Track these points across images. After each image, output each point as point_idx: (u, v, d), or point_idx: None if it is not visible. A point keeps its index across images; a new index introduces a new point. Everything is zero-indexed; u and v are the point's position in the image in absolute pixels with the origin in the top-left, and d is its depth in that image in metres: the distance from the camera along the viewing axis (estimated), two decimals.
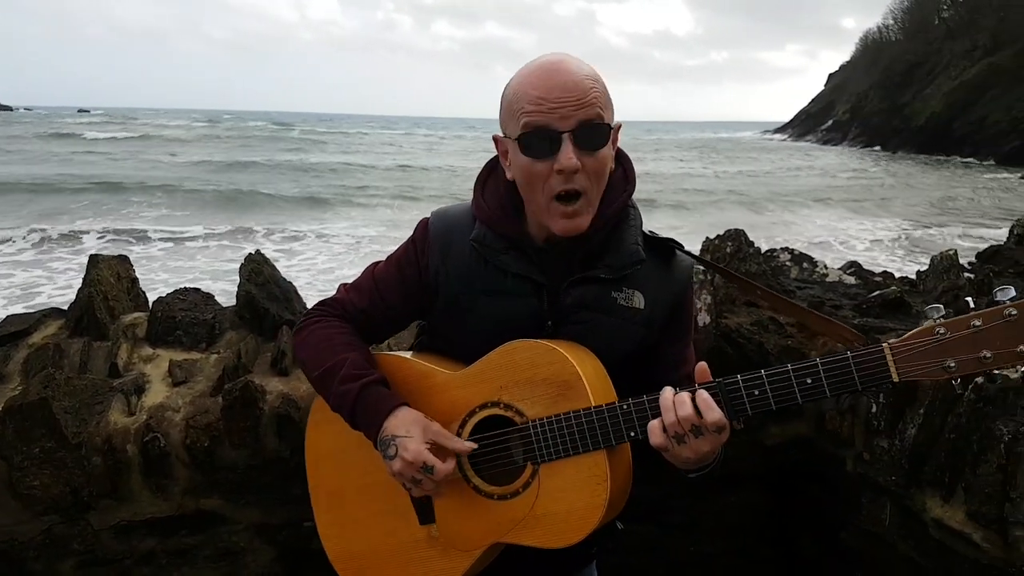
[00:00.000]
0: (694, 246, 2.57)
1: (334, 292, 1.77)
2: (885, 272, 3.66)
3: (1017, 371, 2.23)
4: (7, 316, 2.94)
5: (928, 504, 2.32)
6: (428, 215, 1.71)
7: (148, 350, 2.71)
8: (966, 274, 3.16)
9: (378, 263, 1.74)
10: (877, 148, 57.02)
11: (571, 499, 1.51)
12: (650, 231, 1.66)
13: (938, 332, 1.27)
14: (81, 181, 24.59)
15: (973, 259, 3.92)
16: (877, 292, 2.87)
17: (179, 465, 2.39)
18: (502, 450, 1.57)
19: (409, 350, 1.79)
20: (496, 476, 1.58)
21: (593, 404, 1.49)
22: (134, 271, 3.10)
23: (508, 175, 1.59)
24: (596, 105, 1.47)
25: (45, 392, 2.36)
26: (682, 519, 2.70)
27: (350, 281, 1.75)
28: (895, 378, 1.30)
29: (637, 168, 1.67)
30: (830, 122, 77.13)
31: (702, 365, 1.46)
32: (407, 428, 1.52)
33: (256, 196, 23.50)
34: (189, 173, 29.35)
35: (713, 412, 1.39)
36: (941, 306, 1.31)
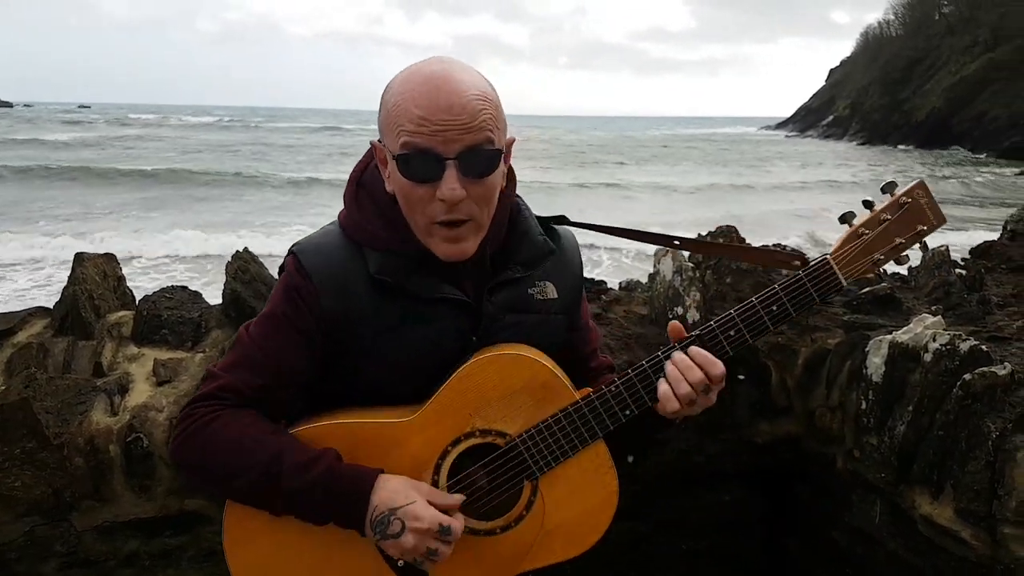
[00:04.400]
0: None
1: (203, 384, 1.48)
2: None
3: (1005, 368, 2.21)
4: None
5: (917, 501, 2.31)
6: (288, 255, 1.48)
7: (133, 349, 2.68)
8: (958, 270, 3.13)
9: (248, 327, 1.47)
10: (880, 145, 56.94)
11: (584, 499, 1.45)
12: (535, 215, 1.59)
13: (862, 233, 1.45)
14: None
15: (967, 255, 3.90)
16: (868, 288, 2.85)
17: (162, 465, 2.37)
18: (490, 480, 1.44)
19: (308, 418, 1.50)
20: (491, 510, 1.45)
21: (579, 397, 1.43)
22: (120, 269, 3.07)
23: (388, 187, 1.41)
24: (485, 128, 1.32)
25: (26, 392, 2.33)
26: (669, 517, 2.68)
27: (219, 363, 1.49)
28: (844, 283, 1.45)
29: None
30: (831, 117, 77.09)
31: (675, 323, 1.46)
32: (405, 495, 1.33)
33: None
34: None
35: (716, 367, 1.40)
36: (852, 212, 1.48)
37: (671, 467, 2.62)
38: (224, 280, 2.80)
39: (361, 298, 1.41)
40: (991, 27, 54.28)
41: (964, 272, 3.16)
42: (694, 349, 1.42)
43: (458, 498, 1.40)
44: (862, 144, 59.28)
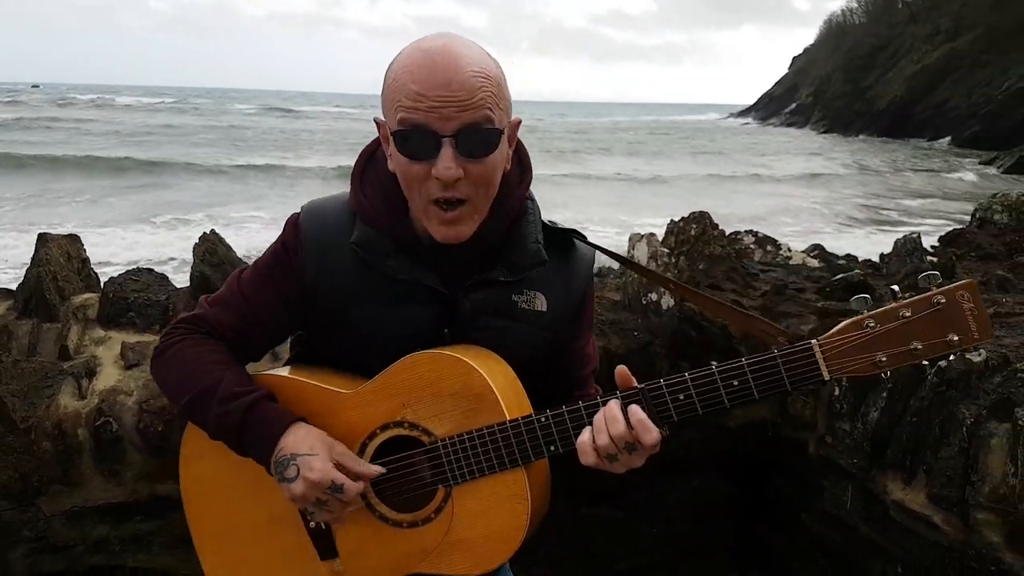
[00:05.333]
0: None
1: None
2: (849, 255, 3.68)
3: (980, 354, 2.24)
4: None
5: (890, 487, 2.34)
6: (299, 211, 1.50)
7: (100, 332, 2.63)
8: (929, 257, 3.18)
9: (243, 270, 1.53)
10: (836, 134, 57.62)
11: (490, 521, 1.40)
12: (550, 220, 1.53)
13: (867, 325, 1.21)
14: None
15: (935, 242, 3.96)
16: (841, 275, 2.89)
17: (132, 450, 2.32)
18: (409, 473, 1.43)
19: (286, 365, 1.61)
20: (404, 502, 1.45)
21: (508, 418, 1.37)
22: (85, 251, 3.00)
23: (389, 165, 1.39)
24: (484, 107, 1.28)
25: None
26: (642, 502, 2.69)
27: (213, 294, 1.55)
28: (825, 376, 1.24)
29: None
30: (794, 105, 77.73)
31: (622, 369, 1.34)
32: (310, 445, 1.36)
33: None
34: None
35: (650, 434, 1.28)
36: (868, 297, 1.25)
37: None
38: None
39: (344, 266, 1.42)
40: (952, 16, 55.07)
41: (935, 259, 3.21)
42: (633, 408, 1.30)
43: (375, 469, 1.40)
44: (824, 132, 59.96)
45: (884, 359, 1.21)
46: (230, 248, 2.89)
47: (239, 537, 1.55)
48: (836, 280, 2.91)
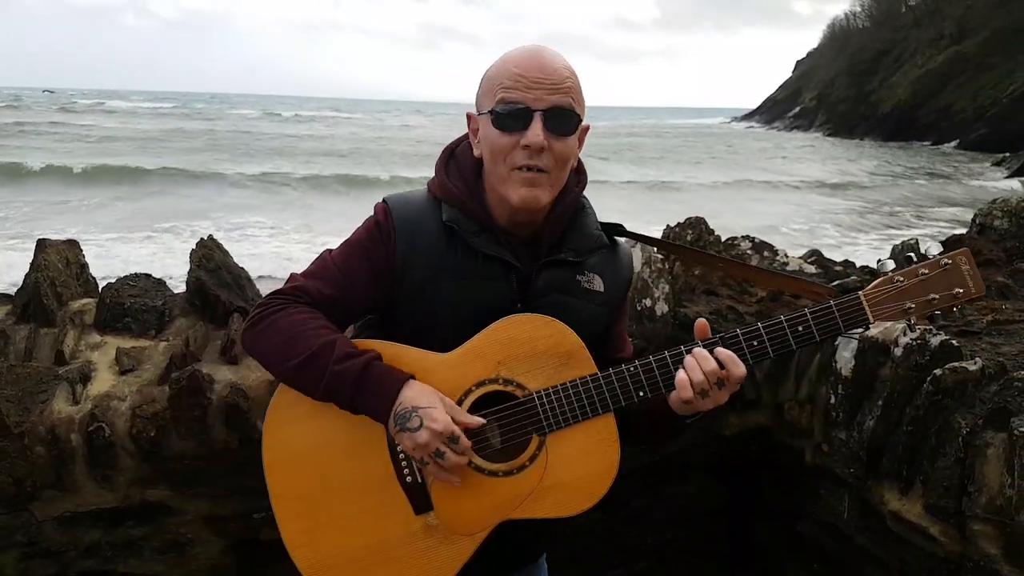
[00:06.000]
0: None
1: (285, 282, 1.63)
2: (847, 261, 3.67)
3: (976, 363, 2.23)
4: None
5: (886, 497, 2.33)
6: (380, 202, 1.66)
7: (96, 337, 2.62)
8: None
9: (330, 250, 1.66)
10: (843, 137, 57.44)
11: (584, 464, 1.53)
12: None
13: (897, 280, 1.51)
14: None
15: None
16: (838, 281, 2.87)
17: (125, 455, 2.32)
18: (504, 424, 1.55)
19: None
20: (497, 453, 1.55)
21: (598, 371, 1.53)
22: (83, 256, 3.00)
23: (476, 152, 1.62)
24: (569, 94, 1.53)
25: None
26: (636, 508, 2.68)
27: (299, 271, 1.65)
28: (871, 320, 1.51)
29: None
30: (797, 109, 77.75)
31: (702, 322, 1.54)
32: (428, 399, 1.48)
33: None
34: None
35: (738, 367, 1.48)
36: (891, 261, 1.60)
37: (639, 459, 2.62)
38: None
39: (429, 243, 1.59)
40: (957, 20, 55.04)
41: None
42: (718, 349, 1.50)
43: (477, 420, 1.51)
44: (828, 135, 59.91)
45: (911, 307, 1.51)
46: (227, 254, 2.88)
47: (329, 499, 1.58)
48: (833, 286, 2.89)
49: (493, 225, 1.61)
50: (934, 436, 2.19)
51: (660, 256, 2.76)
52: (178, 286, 3.04)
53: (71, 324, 2.65)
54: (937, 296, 1.51)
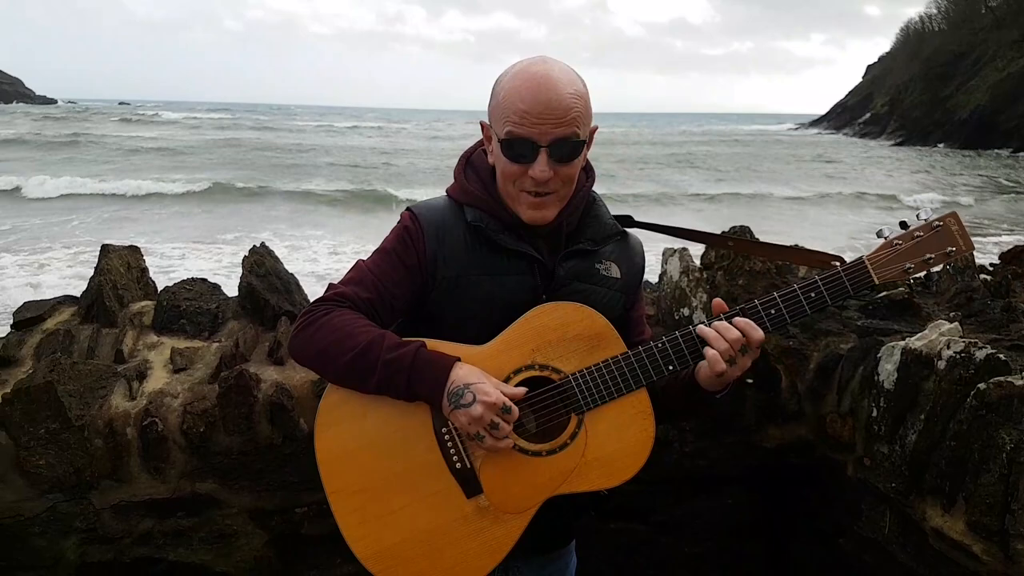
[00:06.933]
0: None
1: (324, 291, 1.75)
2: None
3: (1022, 378, 2.17)
4: (24, 302, 3.01)
5: (928, 513, 2.27)
6: (405, 211, 1.76)
7: (153, 338, 2.75)
8: (982, 276, 3.08)
9: (363, 259, 1.75)
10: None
11: (622, 437, 1.62)
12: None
13: (896, 244, 1.63)
14: None
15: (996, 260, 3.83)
16: (884, 293, 2.82)
17: (176, 449, 2.43)
18: (543, 407, 1.63)
19: None
20: (539, 435, 1.64)
21: (628, 349, 1.63)
22: (144, 261, 3.14)
23: (490, 159, 1.72)
24: (574, 124, 1.60)
25: (51, 376, 2.41)
26: (671, 519, 2.68)
27: (337, 280, 1.75)
28: (876, 281, 1.63)
29: None
30: (868, 115, 75.63)
31: (718, 300, 1.66)
32: (478, 377, 1.57)
33: None
34: None
35: (756, 331, 1.59)
36: (885, 227, 1.68)
37: (674, 469, 2.62)
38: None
39: (456, 243, 1.69)
40: None
41: (990, 278, 3.11)
42: (736, 318, 1.61)
43: (519, 390, 1.60)
44: (901, 143, 58.11)
45: (911, 266, 1.63)
46: (278, 260, 2.99)
47: (383, 491, 1.66)
48: (879, 298, 2.85)
49: (513, 223, 1.70)
50: (977, 452, 2.14)
51: (699, 265, 2.75)
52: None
53: (130, 325, 2.79)
54: (932, 255, 1.63)
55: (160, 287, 3.05)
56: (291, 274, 2.94)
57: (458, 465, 1.63)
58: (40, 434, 2.38)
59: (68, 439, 2.39)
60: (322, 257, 14.32)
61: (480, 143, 1.81)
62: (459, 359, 1.61)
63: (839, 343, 2.67)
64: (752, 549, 2.77)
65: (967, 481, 2.17)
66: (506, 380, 1.62)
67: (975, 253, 3.24)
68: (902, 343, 2.39)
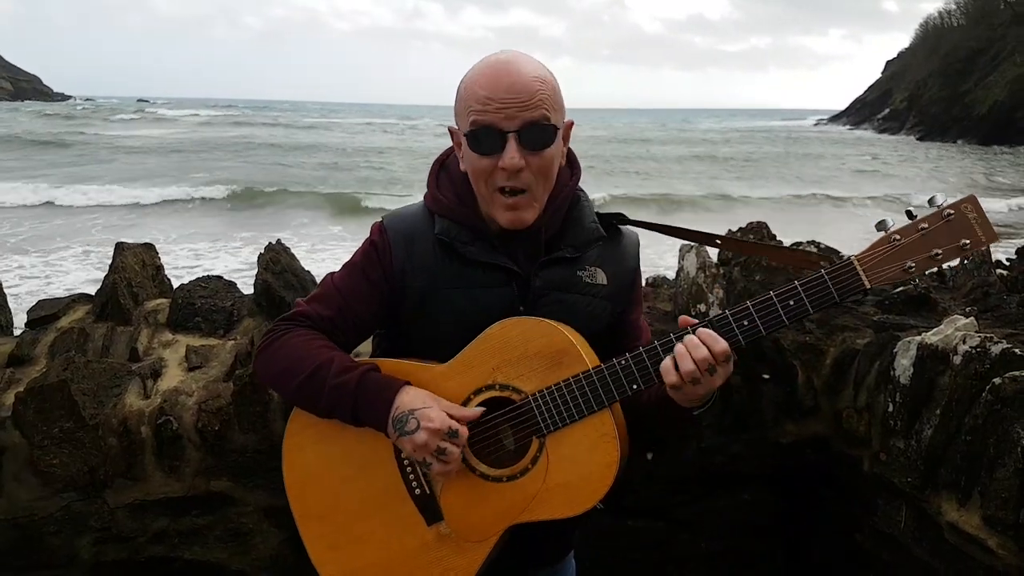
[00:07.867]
0: None
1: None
2: None
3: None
4: (39, 300, 3.03)
5: (944, 507, 2.26)
6: (379, 219, 1.70)
7: (168, 335, 2.76)
8: (999, 271, 3.04)
9: (334, 273, 1.71)
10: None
11: (584, 463, 1.51)
12: (596, 209, 1.73)
13: (894, 239, 1.43)
14: None
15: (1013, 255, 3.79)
16: (900, 288, 2.79)
17: (191, 447, 2.44)
18: (504, 430, 1.56)
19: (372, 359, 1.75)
20: (500, 459, 1.57)
21: (590, 367, 1.51)
22: (159, 258, 3.16)
23: (462, 166, 1.62)
24: (542, 107, 1.50)
25: (65, 374, 2.41)
26: (689, 516, 2.66)
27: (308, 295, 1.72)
28: (867, 285, 1.43)
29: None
30: (887, 111, 75.07)
31: (684, 317, 1.52)
32: (422, 401, 1.51)
33: None
34: None
35: (718, 343, 1.45)
36: (887, 219, 1.46)
37: (692, 466, 2.60)
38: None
39: (426, 255, 1.61)
40: None
41: (1007, 273, 3.07)
42: (702, 330, 1.47)
43: (475, 411, 1.54)
44: (920, 139, 57.58)
45: (912, 265, 1.42)
46: (294, 258, 3.00)
47: (346, 517, 1.64)
48: (896, 293, 2.82)
49: (488, 232, 1.61)
50: (992, 446, 2.12)
51: (715, 261, 2.74)
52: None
53: (145, 323, 2.80)
54: (941, 251, 1.41)
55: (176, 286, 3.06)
56: (307, 271, 2.95)
57: (418, 491, 1.60)
58: (54, 433, 2.38)
59: (82, 438, 2.40)
60: (345, 256, 14.44)
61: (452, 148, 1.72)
62: (407, 383, 1.55)
63: (855, 338, 2.65)
64: (770, 545, 2.75)
65: (982, 475, 2.15)
66: (466, 402, 1.56)
67: (990, 247, 3.21)
68: (918, 338, 2.37)
